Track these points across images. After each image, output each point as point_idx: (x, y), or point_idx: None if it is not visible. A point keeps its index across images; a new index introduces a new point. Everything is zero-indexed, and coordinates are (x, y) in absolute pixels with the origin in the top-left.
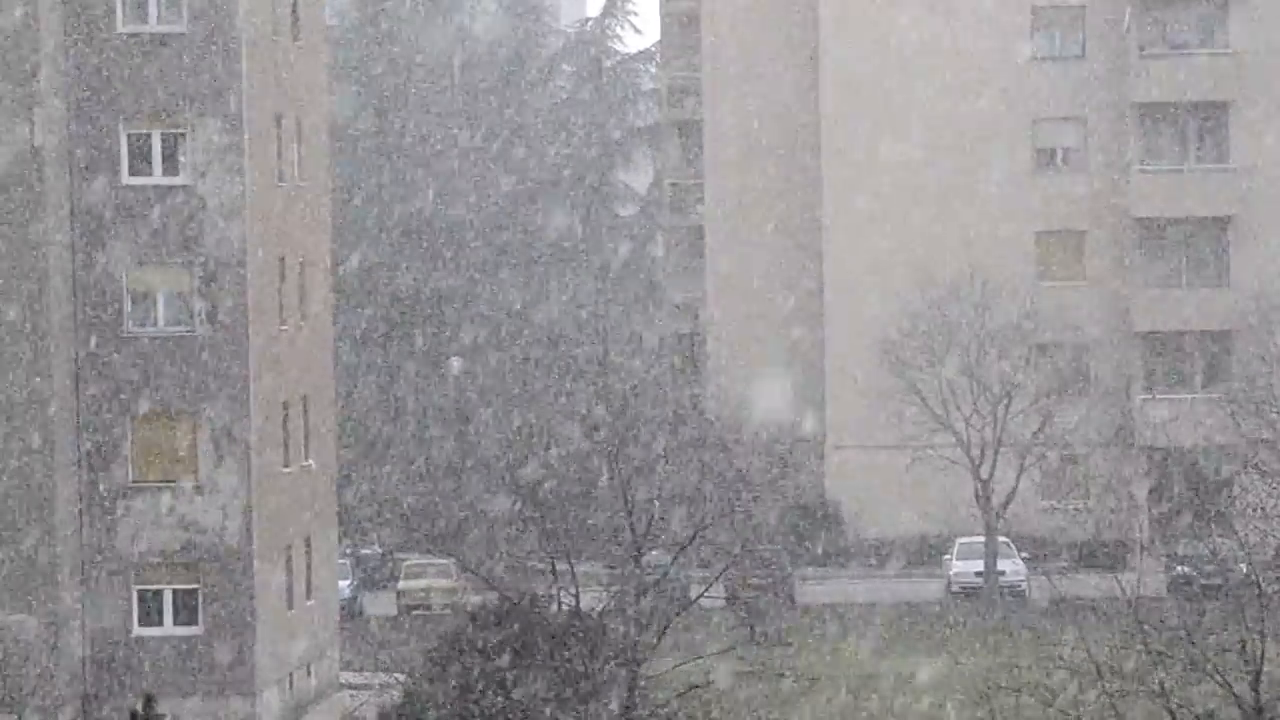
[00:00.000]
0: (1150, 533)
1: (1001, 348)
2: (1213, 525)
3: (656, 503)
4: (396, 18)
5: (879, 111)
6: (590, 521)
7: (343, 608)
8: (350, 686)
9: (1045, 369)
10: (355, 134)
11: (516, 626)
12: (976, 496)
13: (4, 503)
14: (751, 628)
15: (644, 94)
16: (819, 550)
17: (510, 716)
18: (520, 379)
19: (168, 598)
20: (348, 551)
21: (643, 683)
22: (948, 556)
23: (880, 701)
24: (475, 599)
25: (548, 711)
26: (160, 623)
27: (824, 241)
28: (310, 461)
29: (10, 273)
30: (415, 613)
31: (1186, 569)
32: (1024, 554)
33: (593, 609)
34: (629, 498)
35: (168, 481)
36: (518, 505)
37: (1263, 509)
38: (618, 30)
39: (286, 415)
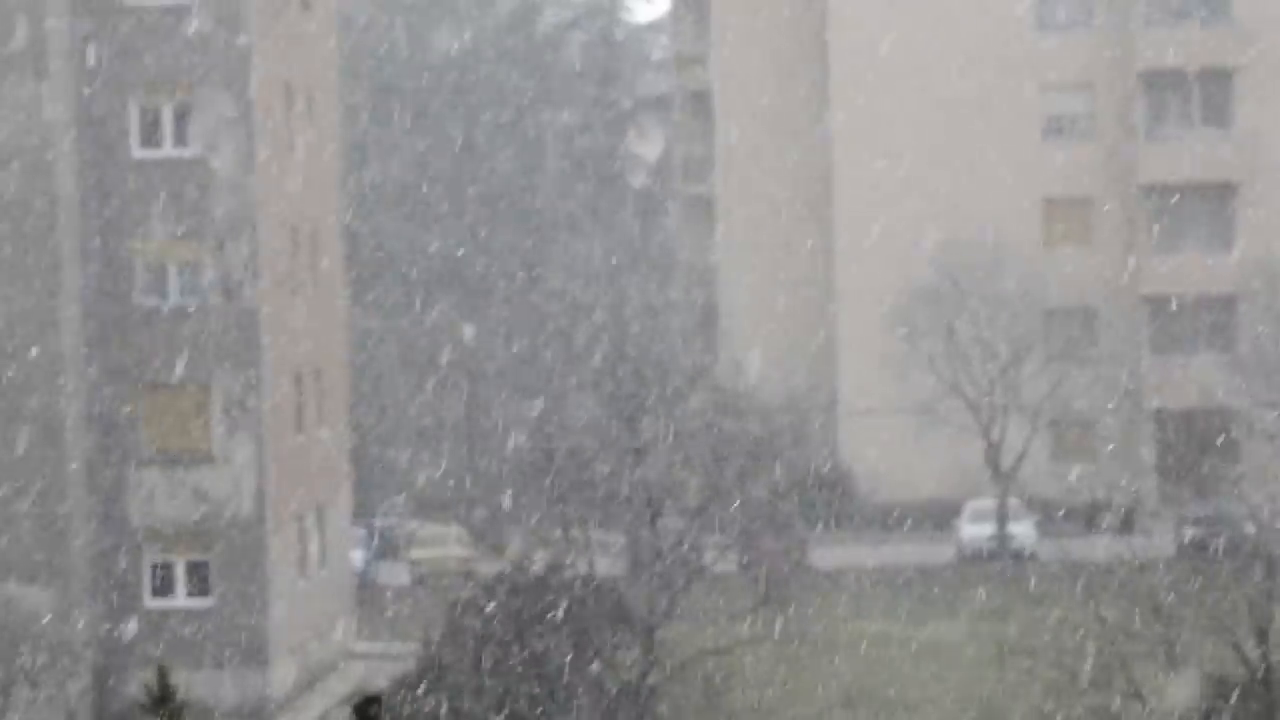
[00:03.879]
0: (1159, 495)
1: (1010, 313)
2: (1220, 488)
3: (670, 469)
4: None
5: (888, 79)
6: (604, 488)
7: (356, 577)
8: (364, 656)
9: (1054, 334)
10: (367, 104)
11: (530, 594)
12: (987, 460)
13: (15, 475)
14: (765, 593)
15: (654, 64)
16: (831, 515)
17: (525, 684)
18: (533, 347)
19: (180, 569)
20: (363, 520)
21: (657, 649)
22: (959, 520)
23: (893, 664)
24: (489, 567)
25: (562, 679)
26: (172, 594)
27: (834, 208)
28: (323, 431)
29: (21, 246)
30: (429, 582)
31: (1195, 531)
32: (1034, 517)
33: (607, 576)
34: (643, 464)
35: (180, 453)
36: (531, 473)
37: (1270, 471)
38: (628, 1)
39: (299, 385)
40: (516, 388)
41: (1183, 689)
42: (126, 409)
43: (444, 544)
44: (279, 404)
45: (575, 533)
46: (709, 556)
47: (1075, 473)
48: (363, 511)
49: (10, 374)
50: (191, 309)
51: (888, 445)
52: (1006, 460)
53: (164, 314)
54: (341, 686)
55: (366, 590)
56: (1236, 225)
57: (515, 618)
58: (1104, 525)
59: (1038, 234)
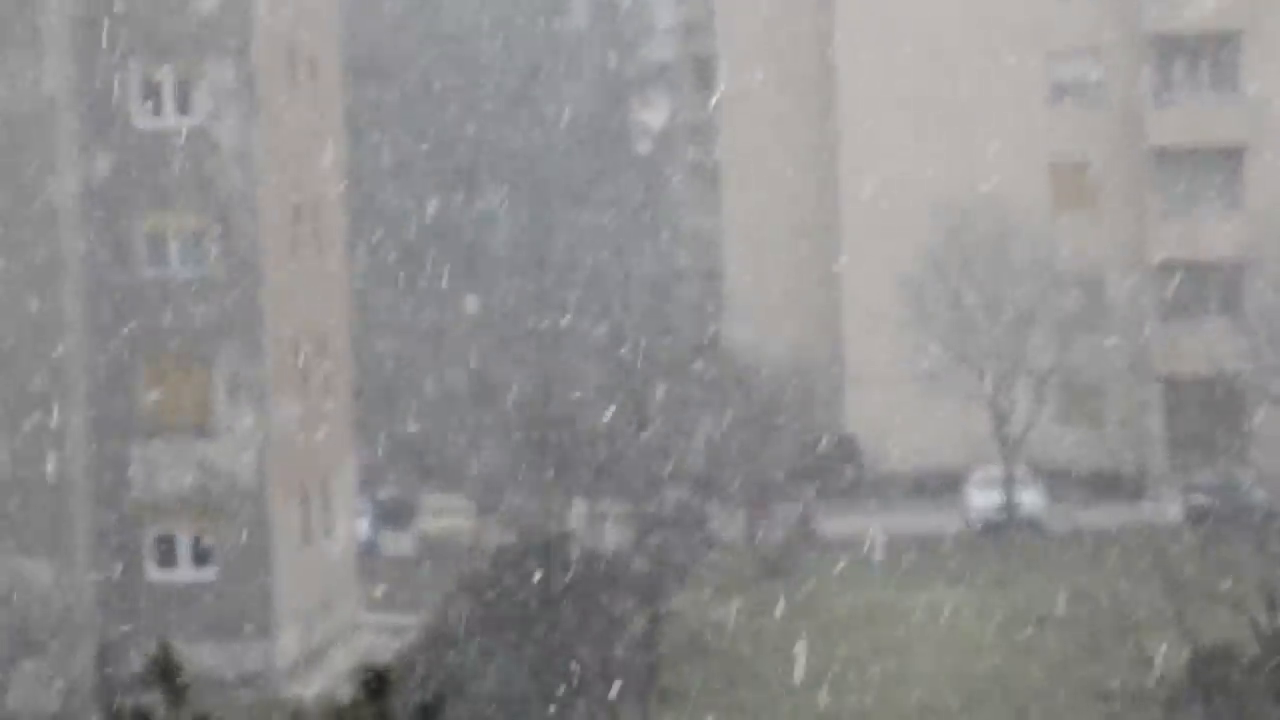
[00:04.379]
0: (1167, 462)
1: (1017, 279)
2: (1229, 455)
3: (676, 438)
4: None
5: (894, 44)
6: (610, 458)
7: (361, 549)
8: (369, 627)
9: (1062, 298)
10: (370, 73)
11: (536, 565)
12: (994, 428)
13: (16, 448)
14: (771, 562)
15: (659, 31)
16: (838, 484)
17: (530, 655)
18: (537, 317)
19: (183, 541)
20: (366, 492)
21: (664, 619)
22: (966, 488)
23: (899, 634)
24: (494, 538)
25: (568, 649)
26: (175, 566)
27: (840, 175)
28: (327, 402)
29: (21, 217)
30: (434, 552)
31: (1203, 498)
32: (1042, 485)
33: (613, 546)
34: (649, 433)
35: (182, 425)
36: (537, 443)
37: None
38: None
39: (301, 356)
40: (521, 358)
41: (1191, 657)
42: (128, 381)
43: (449, 514)
44: (281, 375)
45: (581, 502)
46: (715, 525)
47: (1083, 440)
48: (367, 482)
49: (11, 347)
50: (193, 280)
51: (894, 413)
52: (1014, 428)
53: (166, 285)
54: (347, 658)
55: (371, 561)
56: (1245, 190)
57: (521, 588)
58: (1112, 493)
59: (1045, 200)
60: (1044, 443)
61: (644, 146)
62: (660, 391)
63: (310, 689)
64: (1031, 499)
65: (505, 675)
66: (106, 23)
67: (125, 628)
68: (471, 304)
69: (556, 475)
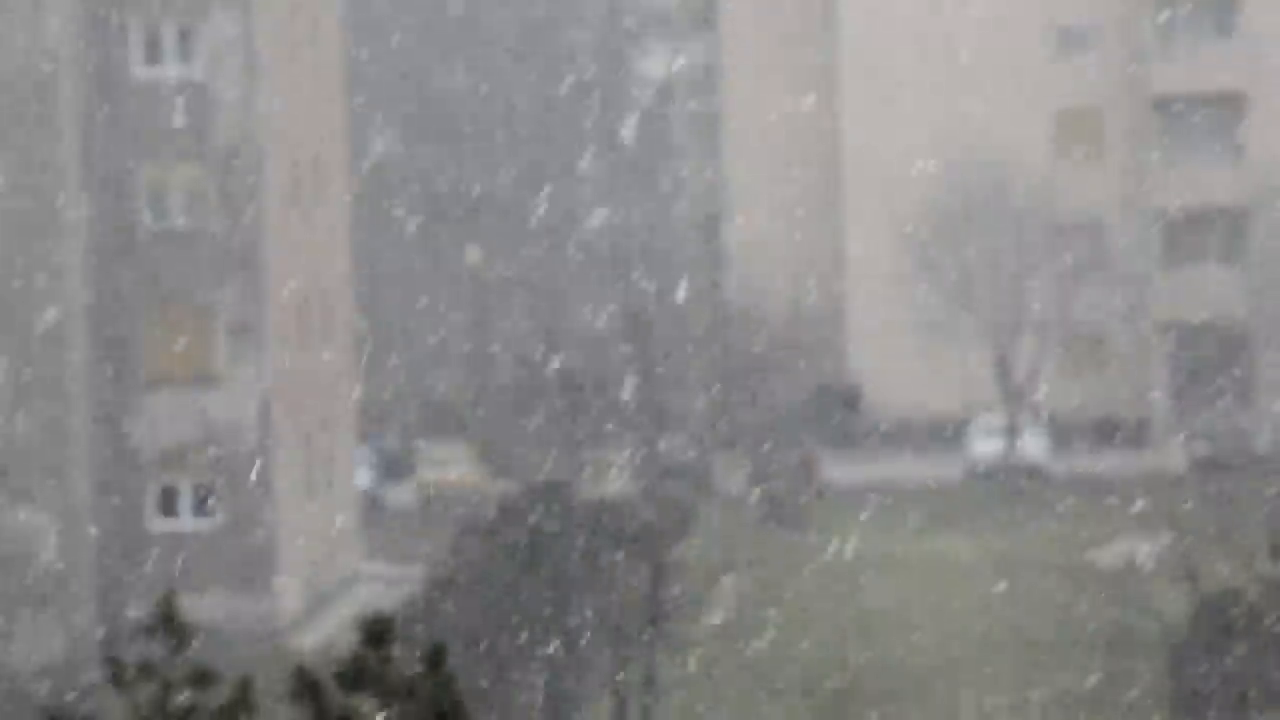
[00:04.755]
0: (1170, 409)
1: (1020, 227)
2: (1232, 401)
3: (678, 387)
4: None
5: None
6: (612, 407)
7: (363, 498)
8: (372, 577)
9: (1064, 246)
10: (371, 25)
11: (538, 515)
12: (997, 376)
13: (17, 399)
14: (774, 510)
15: None
16: (841, 432)
17: (534, 604)
18: (538, 266)
19: (185, 490)
20: (370, 441)
21: (666, 567)
22: (968, 436)
23: (902, 581)
24: (497, 487)
25: (571, 599)
26: (177, 516)
27: (842, 123)
28: (328, 352)
29: (24, 168)
30: (437, 502)
31: (1207, 445)
32: (1045, 432)
33: (616, 494)
34: (650, 382)
35: (184, 374)
36: (540, 392)
37: None
38: None
39: (303, 306)
40: (523, 307)
41: (1195, 604)
42: (130, 332)
43: (452, 464)
44: (283, 325)
45: (584, 451)
46: (718, 474)
47: (1086, 387)
48: (369, 433)
49: (13, 296)
50: (196, 231)
51: (897, 361)
52: (1017, 376)
53: (167, 235)
54: (350, 608)
55: (374, 511)
56: (1249, 135)
57: (524, 538)
58: (1115, 440)
59: (1047, 148)
60: (1047, 390)
61: (645, 96)
62: (662, 340)
63: (313, 639)
64: (1034, 446)
65: (506, 624)
66: None
67: (127, 579)
68: (474, 253)
69: (559, 424)
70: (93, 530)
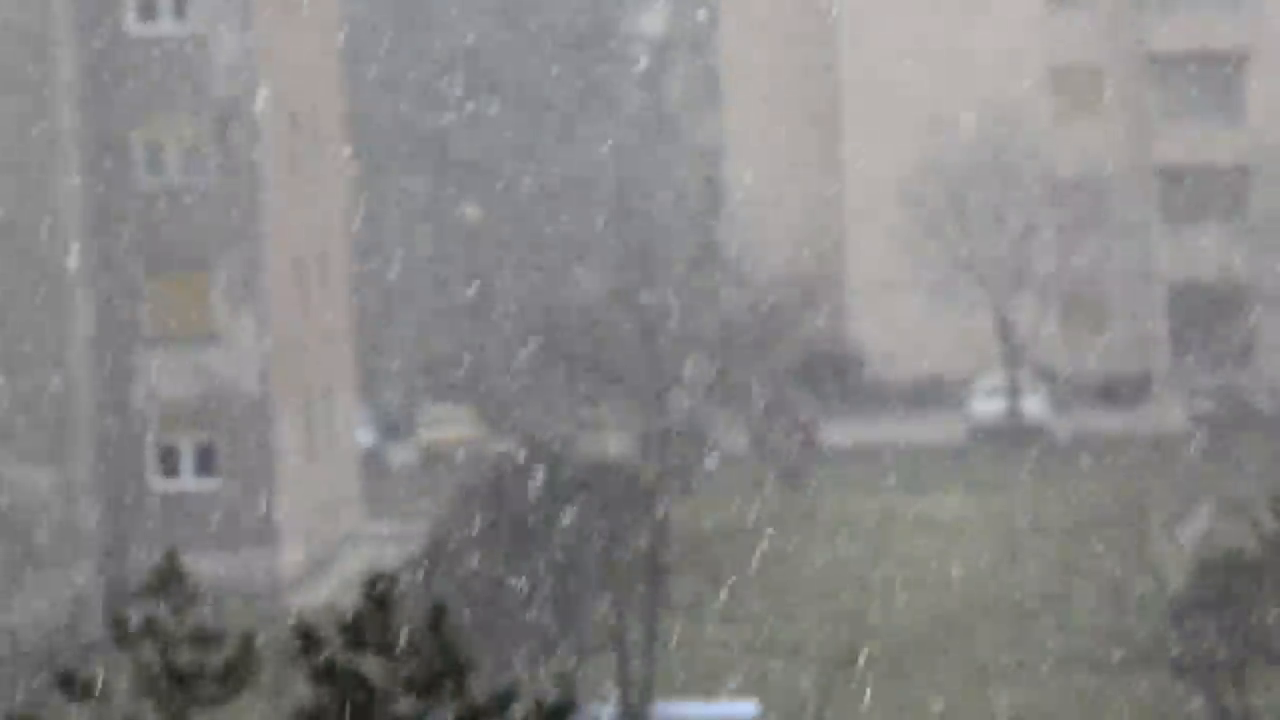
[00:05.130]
0: (1171, 368)
1: (1020, 185)
2: (1233, 360)
3: (679, 347)
4: None
5: None
6: (613, 367)
7: (364, 458)
8: (373, 537)
9: (1064, 205)
10: None
11: (540, 473)
12: (998, 335)
13: (17, 358)
14: (775, 470)
15: None
16: (841, 392)
17: (535, 564)
18: (538, 228)
19: (186, 450)
20: (369, 401)
21: (668, 527)
22: (970, 396)
23: (903, 542)
24: (498, 446)
25: (572, 558)
26: (179, 476)
27: (841, 82)
28: (328, 312)
29: (18, 125)
30: (438, 462)
31: (1208, 404)
32: (1046, 391)
33: (617, 454)
34: (651, 342)
35: (183, 333)
36: (540, 353)
37: None
38: None
39: (302, 265)
40: (523, 268)
41: (1196, 563)
42: (129, 290)
43: (453, 424)
44: (282, 284)
45: (584, 411)
46: (719, 434)
47: (1087, 346)
48: (370, 392)
49: (10, 257)
50: (193, 189)
51: (898, 321)
52: (1018, 335)
53: (165, 195)
54: (351, 567)
55: (375, 471)
56: (1248, 95)
57: (524, 498)
58: (1116, 399)
59: (1047, 105)
60: (1048, 349)
61: (643, 54)
62: (663, 301)
63: (315, 598)
64: (1036, 406)
65: (508, 584)
66: None
67: (129, 538)
68: (472, 214)
69: (559, 384)
70: (95, 489)
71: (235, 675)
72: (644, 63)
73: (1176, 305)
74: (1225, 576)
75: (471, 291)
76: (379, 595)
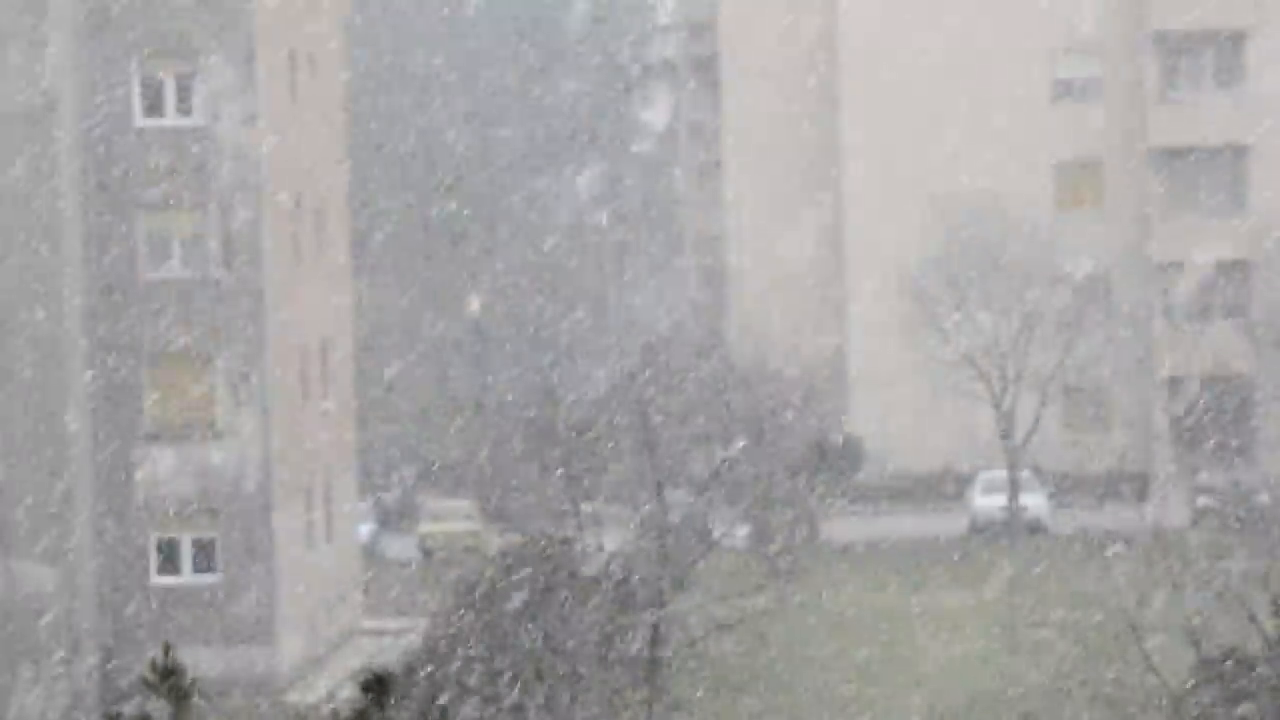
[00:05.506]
0: (1172, 465)
1: (1022, 279)
2: (1235, 456)
3: (679, 441)
4: None
5: (897, 43)
6: (613, 461)
7: (363, 552)
8: (372, 632)
9: (1065, 300)
10: (371, 73)
11: (539, 569)
12: (999, 430)
13: (18, 452)
14: (775, 567)
15: (661, 29)
16: (842, 486)
17: (534, 659)
18: (540, 318)
19: (186, 546)
20: (370, 495)
21: (667, 623)
22: (971, 491)
23: (904, 639)
24: (497, 542)
25: (572, 654)
26: (178, 571)
27: (843, 174)
28: (328, 404)
29: (22, 216)
30: (437, 556)
31: (1209, 500)
32: (1047, 487)
33: (616, 550)
34: (651, 436)
35: (184, 427)
36: (540, 446)
37: None
38: None
39: (304, 357)
40: (523, 359)
41: (1198, 661)
42: (130, 384)
43: (452, 518)
44: (284, 376)
45: (584, 506)
46: (718, 530)
47: (1088, 442)
48: (370, 486)
49: (11, 347)
50: (194, 280)
51: (899, 415)
52: (1019, 430)
53: (167, 286)
54: (350, 663)
55: (374, 565)
56: (1249, 188)
57: (524, 593)
58: (1117, 495)
59: (1049, 198)
60: (1049, 445)
61: (646, 146)
62: (663, 393)
63: (313, 694)
64: (1036, 501)
65: (507, 679)
66: (107, 19)
67: (128, 633)
68: (474, 305)
69: (558, 479)
70: (94, 584)
71: None
72: (648, 152)
73: (1178, 401)
74: (1226, 673)
75: (471, 383)
76: (378, 692)
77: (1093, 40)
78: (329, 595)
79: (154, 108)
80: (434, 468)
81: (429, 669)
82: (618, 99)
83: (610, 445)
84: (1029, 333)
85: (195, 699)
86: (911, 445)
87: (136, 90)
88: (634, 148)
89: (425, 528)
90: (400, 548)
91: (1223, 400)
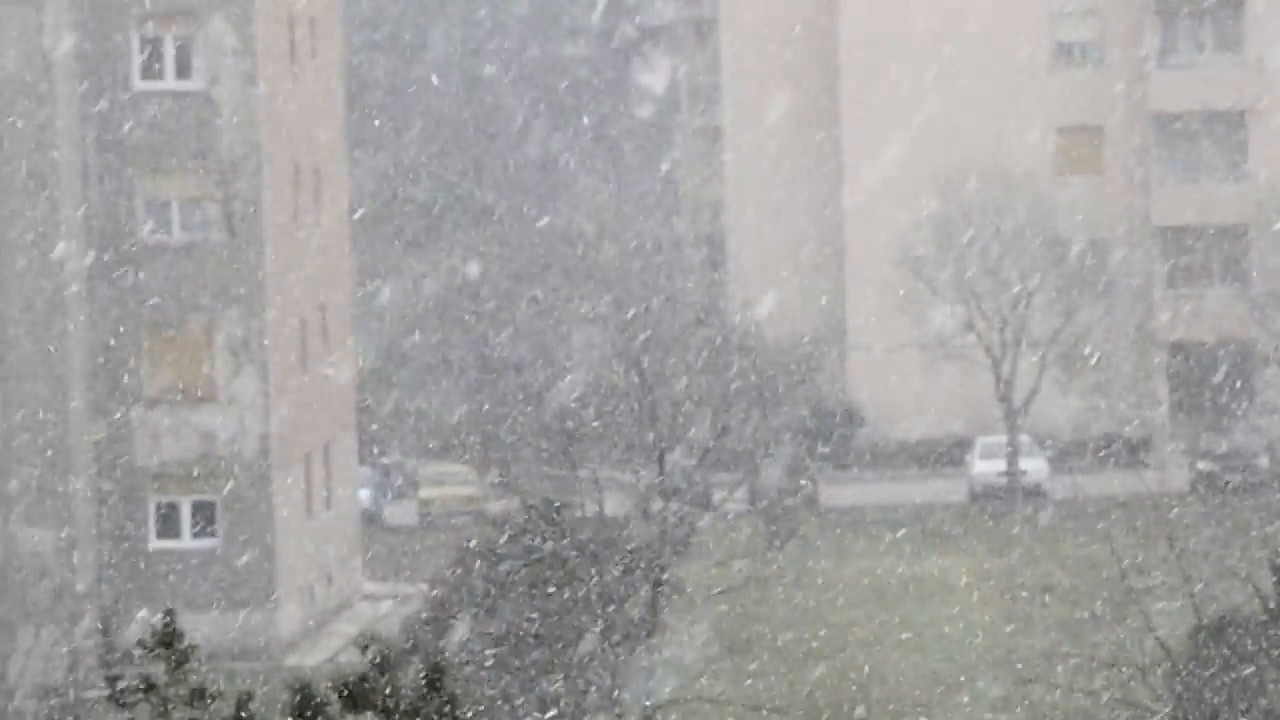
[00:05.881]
0: (1172, 430)
1: (1021, 245)
2: (1234, 422)
3: (679, 407)
4: None
5: (898, 8)
6: (612, 426)
7: (363, 517)
8: (372, 596)
9: (1065, 266)
10: (371, 38)
11: (539, 534)
12: (998, 396)
13: (18, 417)
14: (774, 531)
15: None
16: (841, 452)
17: (534, 624)
18: (539, 284)
19: (185, 510)
20: (370, 460)
21: (666, 588)
22: (970, 457)
23: (902, 603)
24: (497, 507)
25: (571, 618)
26: (178, 535)
27: (843, 140)
28: (329, 370)
29: (22, 181)
30: (437, 521)
31: (1209, 465)
32: (1046, 452)
33: (616, 515)
34: (651, 402)
35: (184, 392)
36: (539, 411)
37: None
38: None
39: (303, 323)
40: (522, 325)
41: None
42: (129, 348)
43: (452, 483)
44: (283, 342)
45: (583, 471)
46: (718, 495)
47: (1087, 407)
48: (369, 451)
49: (11, 312)
50: (195, 245)
51: (898, 381)
52: (1018, 395)
53: (167, 251)
54: (350, 627)
55: (374, 530)
56: (1249, 153)
57: (524, 557)
58: (1117, 460)
59: (1049, 163)
60: (1048, 410)
61: (645, 110)
62: (662, 359)
63: (313, 658)
64: (1035, 467)
65: (506, 643)
66: None
67: (127, 597)
68: (473, 271)
69: (558, 443)
70: (93, 549)
71: None
72: (646, 117)
73: (1178, 366)
74: (1225, 637)
75: (470, 349)
76: (379, 655)
77: (1093, 5)
78: (329, 560)
79: (153, 71)
80: (434, 433)
81: (430, 633)
82: (616, 62)
83: (610, 410)
84: (1029, 298)
85: (194, 663)
86: (911, 412)
87: (136, 53)
88: (633, 113)
89: (425, 493)
90: (400, 513)
91: (1222, 365)
